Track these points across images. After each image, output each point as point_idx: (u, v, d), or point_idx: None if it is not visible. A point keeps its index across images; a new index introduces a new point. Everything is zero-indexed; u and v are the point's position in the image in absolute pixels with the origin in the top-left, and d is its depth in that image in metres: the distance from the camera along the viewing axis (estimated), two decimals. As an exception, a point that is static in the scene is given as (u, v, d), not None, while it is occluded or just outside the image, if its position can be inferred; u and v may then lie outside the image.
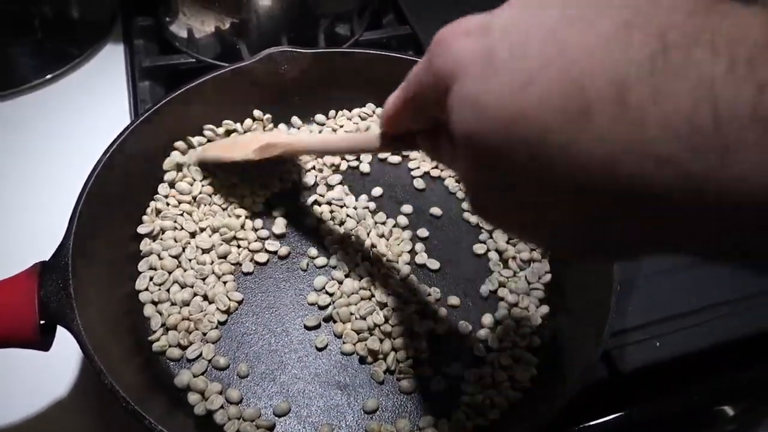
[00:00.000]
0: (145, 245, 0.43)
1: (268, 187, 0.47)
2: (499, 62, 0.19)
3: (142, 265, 0.42)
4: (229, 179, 0.47)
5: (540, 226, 0.21)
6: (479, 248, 0.45)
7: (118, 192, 0.41)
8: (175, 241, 0.43)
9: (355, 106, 0.52)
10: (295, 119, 0.51)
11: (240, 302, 0.42)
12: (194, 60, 0.58)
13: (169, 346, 0.39)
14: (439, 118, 0.23)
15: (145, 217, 0.44)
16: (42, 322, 0.33)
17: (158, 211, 0.45)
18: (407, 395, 0.38)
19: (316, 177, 0.48)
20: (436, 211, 0.47)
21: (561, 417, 0.33)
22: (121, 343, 0.37)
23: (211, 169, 0.47)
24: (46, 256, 0.36)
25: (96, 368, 0.31)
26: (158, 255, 0.43)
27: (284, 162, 0.49)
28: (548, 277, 0.44)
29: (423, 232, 0.46)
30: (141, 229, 0.43)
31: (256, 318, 0.41)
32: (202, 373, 0.38)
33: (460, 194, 0.49)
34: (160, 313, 0.40)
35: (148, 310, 0.40)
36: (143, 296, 0.41)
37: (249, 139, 0.46)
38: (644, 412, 0.42)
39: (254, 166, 0.44)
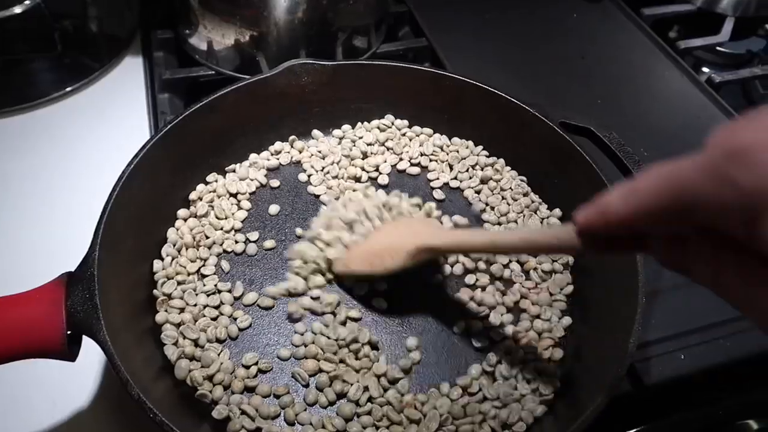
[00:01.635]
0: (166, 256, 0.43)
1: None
2: None
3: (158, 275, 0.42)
4: None
5: None
6: (500, 258, 0.45)
7: (142, 203, 0.41)
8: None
9: (374, 117, 0.52)
10: (315, 132, 0.51)
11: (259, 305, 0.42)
12: (214, 72, 0.59)
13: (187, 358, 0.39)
14: (709, 227, 0.20)
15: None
16: (69, 332, 0.33)
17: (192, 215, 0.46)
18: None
19: (339, 186, 0.48)
20: (456, 220, 0.47)
21: (586, 430, 0.33)
22: (144, 354, 0.37)
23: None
24: (68, 267, 0.36)
25: (123, 379, 0.31)
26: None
27: None
28: (570, 288, 0.44)
29: (443, 243, 0.46)
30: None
31: (274, 327, 0.41)
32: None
33: (480, 205, 0.48)
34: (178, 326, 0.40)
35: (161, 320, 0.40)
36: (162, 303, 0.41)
37: (399, 240, 0.38)
38: (668, 425, 0.42)
39: None
